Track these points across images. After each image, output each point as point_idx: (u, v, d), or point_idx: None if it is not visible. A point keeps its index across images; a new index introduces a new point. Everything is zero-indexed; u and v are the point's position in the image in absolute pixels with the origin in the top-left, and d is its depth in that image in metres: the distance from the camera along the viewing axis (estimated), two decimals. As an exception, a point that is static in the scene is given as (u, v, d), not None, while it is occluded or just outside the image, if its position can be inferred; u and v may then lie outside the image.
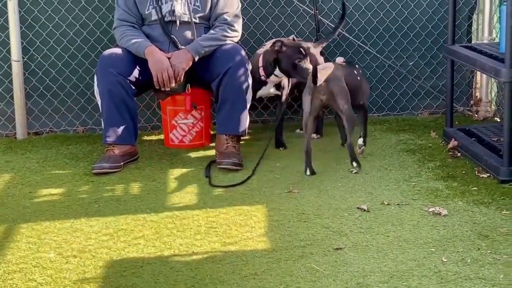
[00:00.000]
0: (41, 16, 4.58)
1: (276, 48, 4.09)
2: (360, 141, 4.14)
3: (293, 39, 4.22)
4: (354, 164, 3.89)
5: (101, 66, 4.08)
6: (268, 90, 4.26)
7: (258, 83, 4.21)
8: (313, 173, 3.87)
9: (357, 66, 4.23)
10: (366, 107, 4.18)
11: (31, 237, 3.20)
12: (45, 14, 4.57)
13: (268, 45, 4.36)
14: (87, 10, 4.60)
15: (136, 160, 4.13)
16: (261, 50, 4.31)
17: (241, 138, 4.21)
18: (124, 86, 4.04)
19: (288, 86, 4.31)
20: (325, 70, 3.89)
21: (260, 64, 4.19)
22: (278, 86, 4.27)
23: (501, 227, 3.19)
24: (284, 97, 4.31)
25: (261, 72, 4.19)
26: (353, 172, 3.90)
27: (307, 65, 4.03)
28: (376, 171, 3.90)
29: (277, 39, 4.21)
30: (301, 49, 4.08)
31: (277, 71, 4.15)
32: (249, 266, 2.90)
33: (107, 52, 4.15)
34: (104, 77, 4.05)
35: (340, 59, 4.21)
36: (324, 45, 4.50)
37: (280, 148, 4.28)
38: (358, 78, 4.09)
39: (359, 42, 4.75)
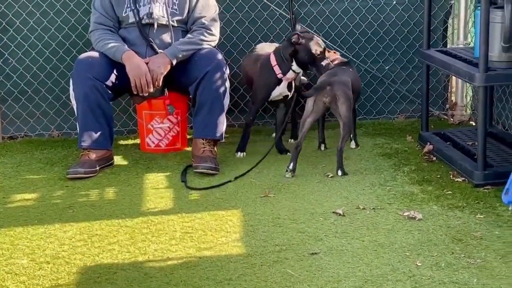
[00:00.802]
0: (16, 20, 4.54)
1: (293, 40, 4.01)
2: (353, 144, 4.33)
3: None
4: (339, 172, 3.89)
5: (77, 70, 4.06)
6: (283, 89, 4.16)
7: (272, 83, 4.12)
8: (294, 170, 3.88)
9: (353, 65, 4.31)
10: (355, 110, 4.29)
11: (4, 243, 3.17)
12: (20, 18, 4.53)
13: (258, 48, 4.34)
14: (63, 14, 4.57)
15: (111, 164, 4.11)
16: (256, 52, 4.30)
17: (218, 142, 4.20)
18: (100, 91, 4.02)
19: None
20: None
21: (274, 62, 4.11)
22: (289, 87, 4.19)
23: (475, 231, 3.20)
24: (293, 98, 4.23)
25: (277, 70, 4.11)
26: (329, 176, 3.90)
27: (327, 61, 4.02)
28: (352, 175, 3.91)
29: (294, 32, 4.12)
30: (319, 41, 4.06)
31: (294, 66, 4.08)
32: (223, 271, 2.89)
33: (83, 56, 4.13)
34: (80, 81, 4.03)
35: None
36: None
37: (284, 153, 4.19)
38: (358, 80, 4.19)
39: (335, 47, 4.76)
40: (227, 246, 3.12)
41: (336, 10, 4.79)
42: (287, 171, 3.88)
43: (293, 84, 4.19)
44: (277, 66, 4.12)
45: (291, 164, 3.88)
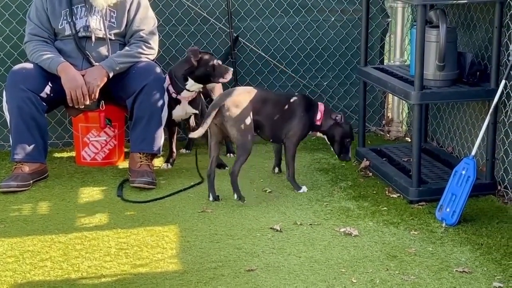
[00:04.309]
0: None
1: (196, 59, 4.01)
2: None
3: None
4: (235, 196, 3.75)
5: (11, 81, 3.98)
6: (184, 110, 4.17)
7: (171, 103, 4.12)
8: (216, 198, 3.76)
9: (299, 101, 3.92)
10: (289, 144, 3.88)
11: None
12: (-48, 26, 4.42)
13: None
14: (-3, 23, 4.48)
15: (45, 178, 4.03)
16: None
17: (156, 156, 4.16)
18: (34, 103, 3.94)
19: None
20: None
21: (167, 83, 4.11)
22: (196, 104, 4.19)
23: (409, 247, 3.25)
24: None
25: (171, 89, 4.11)
26: (267, 191, 3.90)
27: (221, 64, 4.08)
28: (290, 191, 3.92)
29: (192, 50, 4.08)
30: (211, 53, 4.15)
31: (188, 85, 4.08)
32: (159, 289, 2.86)
33: (17, 67, 4.05)
34: (13, 93, 3.95)
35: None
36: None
37: (222, 168, 4.17)
38: (292, 112, 3.87)
39: (274, 62, 4.79)
40: (163, 262, 3.09)
41: (276, 25, 4.82)
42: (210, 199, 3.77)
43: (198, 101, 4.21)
44: (170, 86, 4.12)
45: (210, 195, 3.76)
